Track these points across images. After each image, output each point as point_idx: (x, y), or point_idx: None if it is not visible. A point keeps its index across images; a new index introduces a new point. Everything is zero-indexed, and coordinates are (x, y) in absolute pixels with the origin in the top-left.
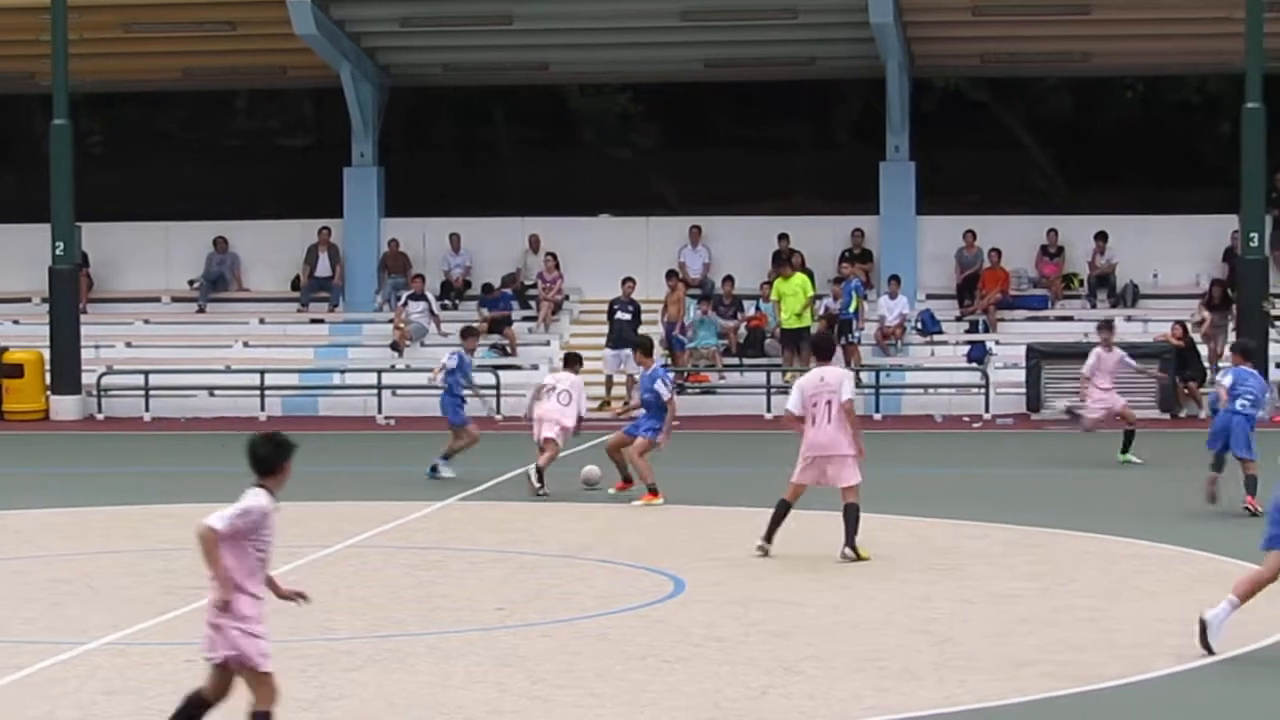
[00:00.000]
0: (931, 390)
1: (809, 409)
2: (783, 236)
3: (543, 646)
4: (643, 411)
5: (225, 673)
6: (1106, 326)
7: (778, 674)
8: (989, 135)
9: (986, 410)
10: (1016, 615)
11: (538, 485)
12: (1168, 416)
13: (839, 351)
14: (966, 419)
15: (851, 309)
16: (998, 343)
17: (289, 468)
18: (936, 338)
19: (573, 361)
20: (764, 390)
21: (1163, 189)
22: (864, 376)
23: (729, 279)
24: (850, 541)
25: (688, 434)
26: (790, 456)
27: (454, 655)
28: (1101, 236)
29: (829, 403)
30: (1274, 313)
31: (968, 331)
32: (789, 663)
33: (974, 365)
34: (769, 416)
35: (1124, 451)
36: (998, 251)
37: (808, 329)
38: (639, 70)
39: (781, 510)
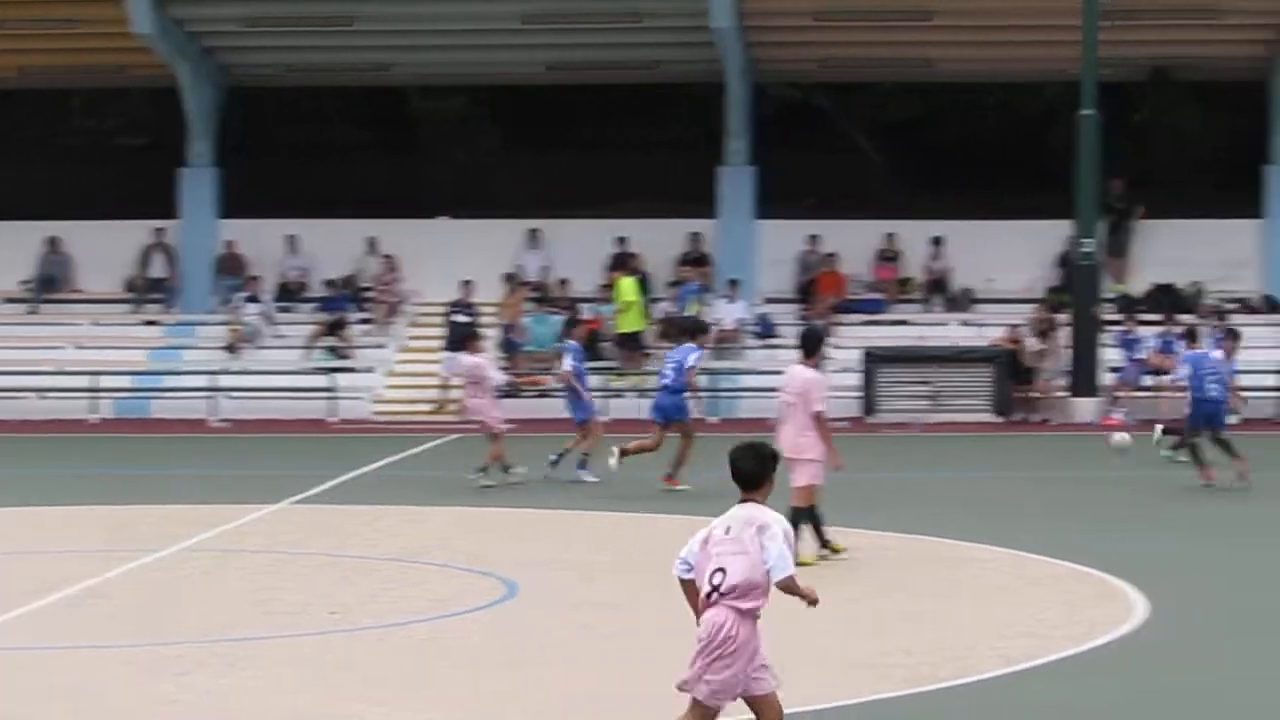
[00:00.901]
0: (768, 393)
1: (781, 406)
2: (621, 239)
3: (375, 650)
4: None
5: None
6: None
7: (614, 677)
8: (828, 140)
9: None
10: (850, 616)
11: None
12: (1001, 420)
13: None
14: None
15: (689, 312)
16: (834, 346)
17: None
18: (773, 341)
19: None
20: (602, 393)
21: (999, 195)
22: (702, 380)
23: (565, 281)
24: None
25: (524, 437)
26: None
27: (285, 660)
28: (937, 241)
29: (792, 404)
30: (1103, 318)
31: None
32: (623, 666)
33: None
34: (605, 419)
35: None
36: (834, 256)
37: (642, 332)
38: (480, 72)
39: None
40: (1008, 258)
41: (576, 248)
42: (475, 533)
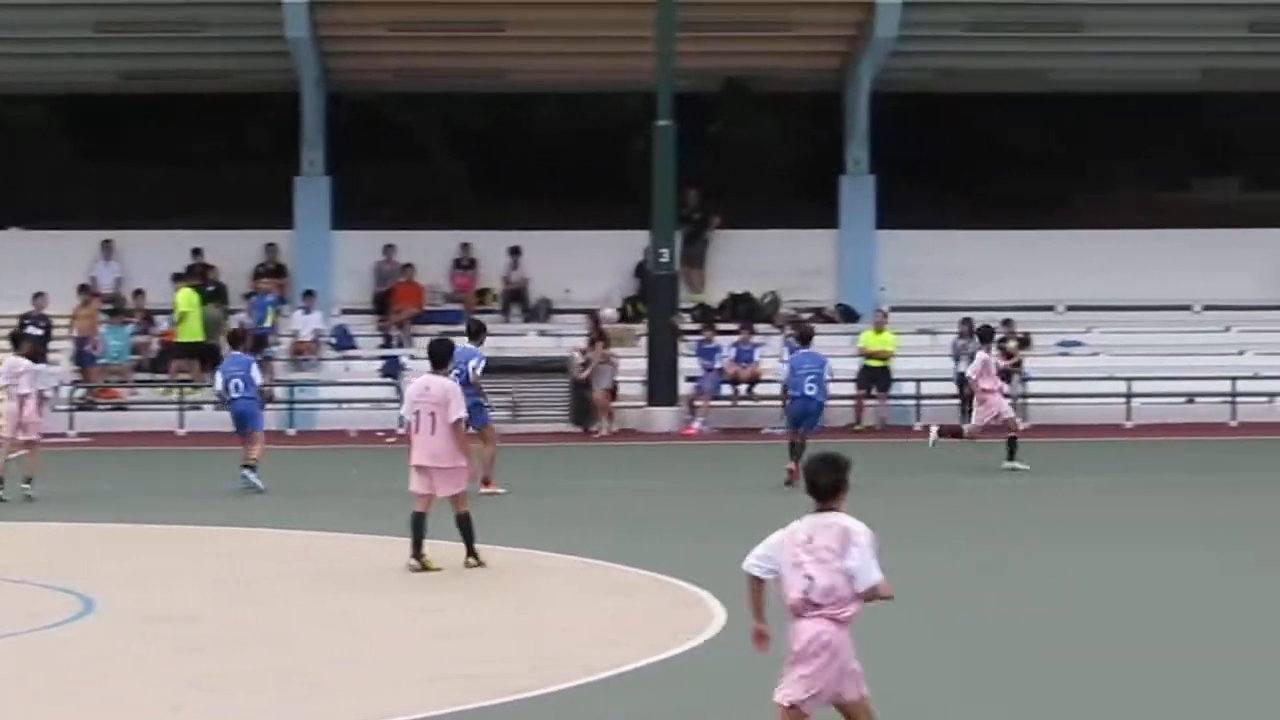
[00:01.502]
0: (346, 405)
1: (413, 417)
2: (197, 251)
3: None
4: None
5: None
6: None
7: (189, 692)
8: (404, 150)
9: (401, 425)
10: (433, 629)
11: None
12: (580, 430)
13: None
14: (380, 434)
15: (266, 323)
16: (412, 357)
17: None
18: (351, 352)
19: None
20: (176, 406)
21: (577, 204)
22: (279, 392)
23: (140, 292)
24: (471, 550)
25: (98, 451)
26: (178, 474)
27: None
28: (515, 251)
29: (432, 414)
30: (683, 327)
31: (382, 346)
32: (200, 679)
33: (388, 380)
34: (182, 433)
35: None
36: (411, 266)
37: (204, 343)
38: (53, 81)
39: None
40: (586, 268)
41: (151, 259)
42: (40, 546)
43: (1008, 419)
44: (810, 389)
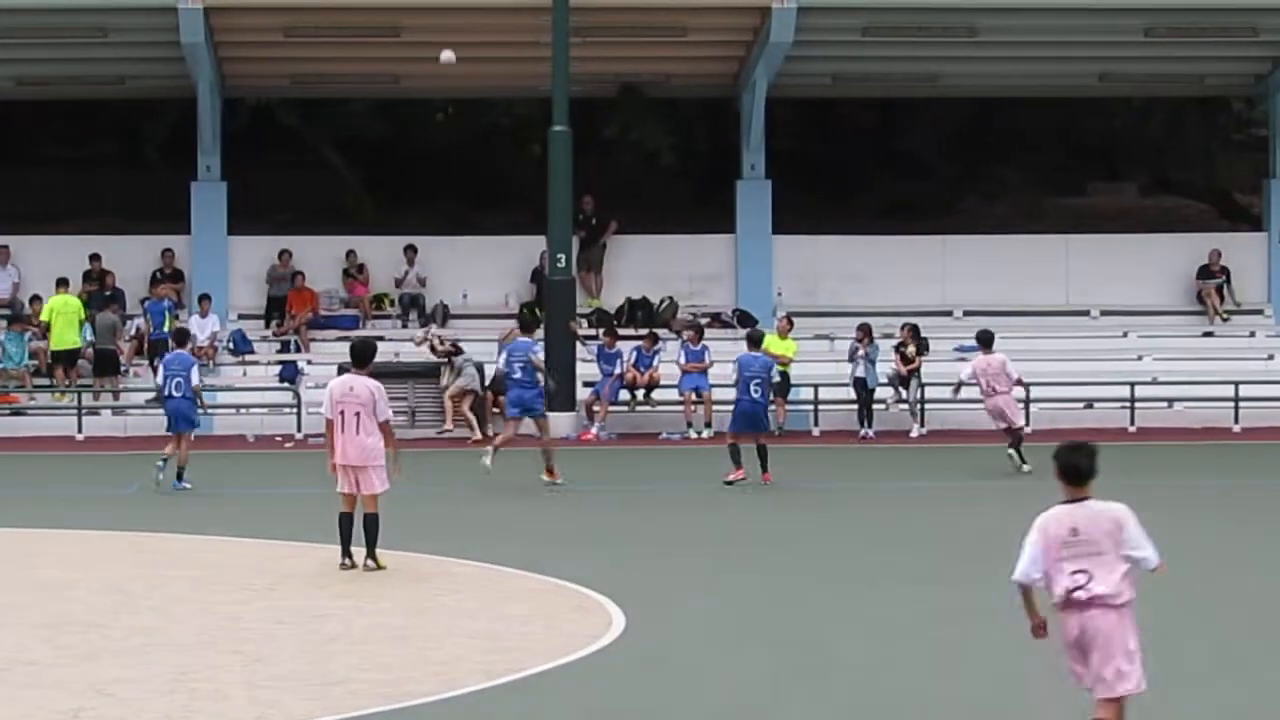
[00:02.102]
0: (244, 410)
1: (337, 416)
2: (94, 257)
3: None
4: None
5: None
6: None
7: (89, 696)
8: (299, 156)
9: (299, 430)
10: (328, 634)
11: None
12: (479, 437)
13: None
14: (279, 439)
15: (165, 328)
16: (309, 362)
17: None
18: (248, 358)
19: None
20: (74, 411)
21: (473, 210)
22: None
23: (37, 298)
24: (371, 553)
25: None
26: (76, 480)
27: None
28: (411, 257)
29: (357, 414)
30: (581, 332)
31: (279, 351)
32: (100, 685)
33: (286, 385)
34: (80, 438)
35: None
36: (302, 274)
37: (78, 350)
38: None
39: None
40: (482, 273)
41: (48, 264)
42: None
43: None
44: (755, 392)
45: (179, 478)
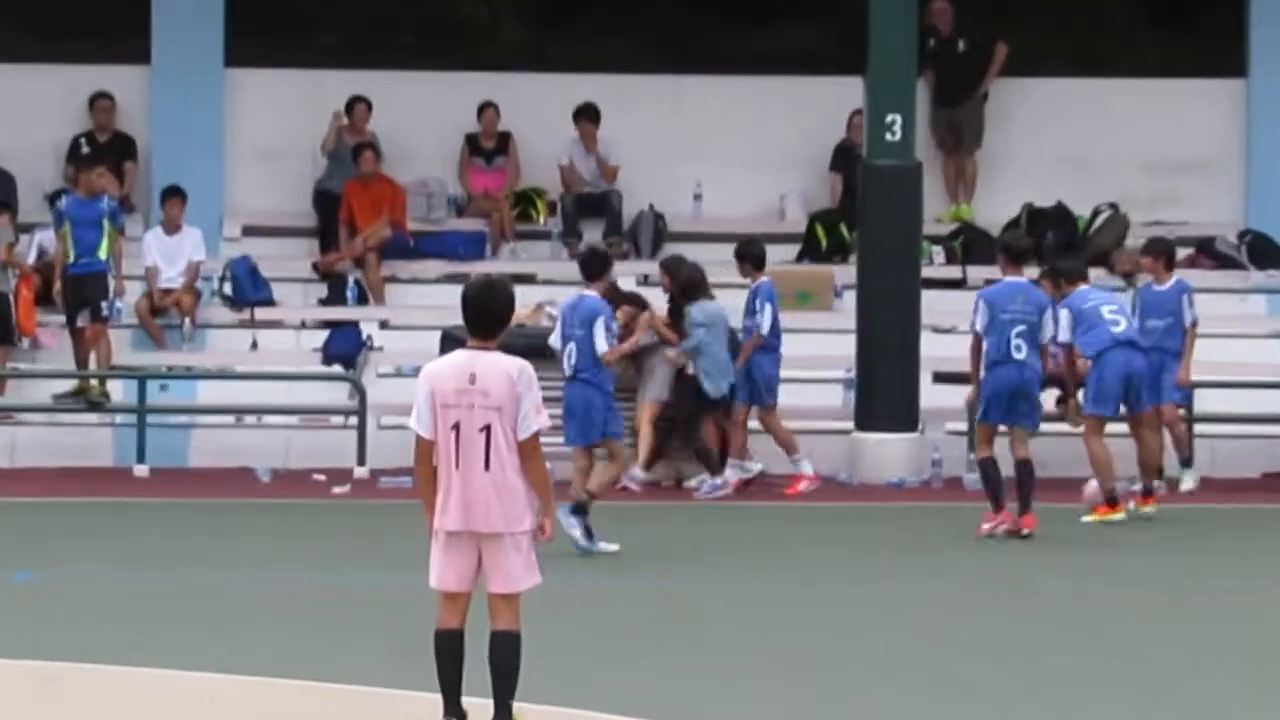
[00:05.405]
0: (250, 421)
1: (446, 433)
2: None
3: None
4: None
5: None
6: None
7: None
8: None
9: (361, 461)
10: None
11: None
12: None
13: None
14: (321, 478)
15: (99, 254)
16: (385, 325)
17: None
18: (262, 314)
19: None
20: None
21: (710, 30)
22: None
23: None
24: (504, 704)
25: None
26: None
27: None
28: (587, 121)
29: (486, 427)
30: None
31: (325, 303)
32: None
33: (337, 368)
34: None
35: None
36: (375, 147)
37: None
38: None
39: None
40: (731, 151)
41: None
42: None
43: None
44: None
45: None
